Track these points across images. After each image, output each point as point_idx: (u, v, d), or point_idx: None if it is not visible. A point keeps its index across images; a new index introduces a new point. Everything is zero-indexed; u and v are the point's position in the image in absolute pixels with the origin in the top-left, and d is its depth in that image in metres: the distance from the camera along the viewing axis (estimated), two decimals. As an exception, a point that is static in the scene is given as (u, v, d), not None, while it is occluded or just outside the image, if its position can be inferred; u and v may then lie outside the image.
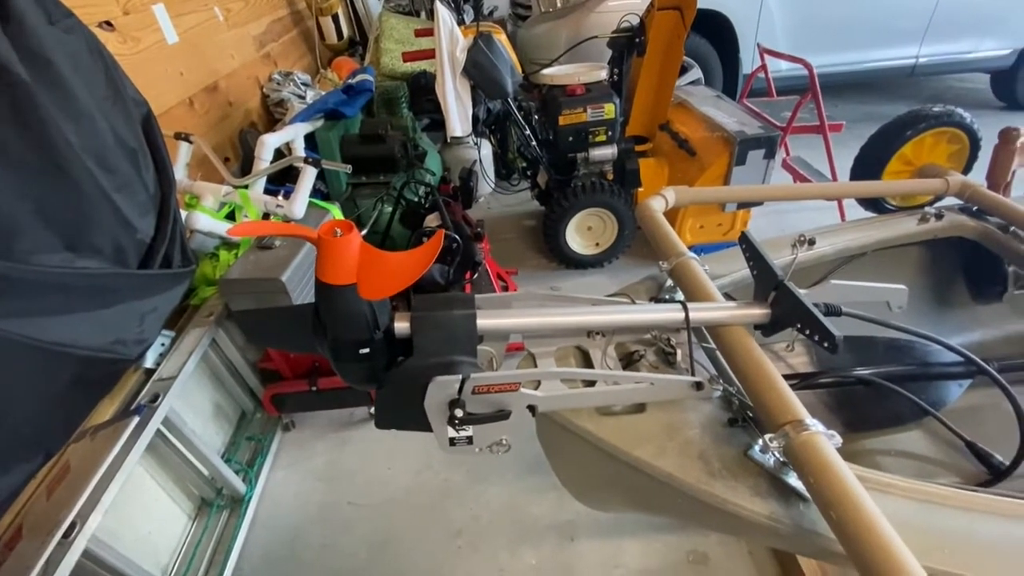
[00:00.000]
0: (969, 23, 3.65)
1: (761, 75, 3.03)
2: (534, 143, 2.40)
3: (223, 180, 1.82)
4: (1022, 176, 1.44)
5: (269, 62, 3.19)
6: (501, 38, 2.14)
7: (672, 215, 2.43)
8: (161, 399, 1.35)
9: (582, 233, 2.55)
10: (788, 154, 2.80)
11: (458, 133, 2.05)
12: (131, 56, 1.90)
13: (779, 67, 3.24)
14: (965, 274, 1.27)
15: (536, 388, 0.71)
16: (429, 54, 2.20)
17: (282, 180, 2.13)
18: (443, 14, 1.89)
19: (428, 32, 2.19)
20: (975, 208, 1.15)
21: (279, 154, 2.04)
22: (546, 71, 2.44)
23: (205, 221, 1.57)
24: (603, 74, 2.36)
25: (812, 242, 1.05)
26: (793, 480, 0.61)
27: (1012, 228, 1.08)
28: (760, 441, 0.63)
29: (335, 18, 3.88)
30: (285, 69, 3.23)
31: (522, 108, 2.52)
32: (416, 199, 2.26)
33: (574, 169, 2.46)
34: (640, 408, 0.72)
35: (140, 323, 1.03)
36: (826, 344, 0.64)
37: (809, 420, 0.59)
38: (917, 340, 1.06)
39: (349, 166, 1.71)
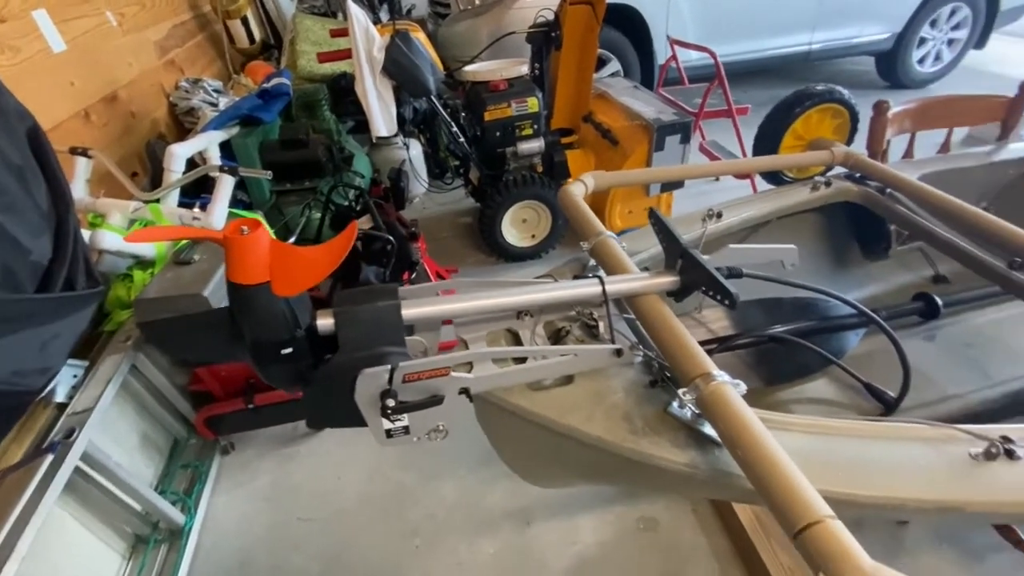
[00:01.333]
0: (852, 11, 4.02)
1: (674, 65, 3.18)
2: (462, 140, 2.41)
3: (131, 196, 1.70)
4: (896, 144, 1.61)
5: (174, 69, 3.01)
6: (419, 36, 2.13)
7: (602, 202, 2.51)
8: (77, 434, 1.25)
9: (517, 226, 2.59)
10: (704, 138, 2.96)
11: (383, 133, 2.03)
12: (11, 67, 1.73)
13: (690, 57, 3.42)
14: (856, 235, 1.41)
15: (469, 372, 0.73)
16: (346, 54, 2.15)
17: (198, 192, 2.02)
18: (355, 12, 1.85)
19: (344, 32, 2.14)
20: (858, 175, 1.27)
21: (192, 164, 1.93)
22: (468, 68, 2.46)
23: (111, 239, 1.47)
24: (524, 69, 2.40)
25: (720, 215, 1.13)
26: (707, 429, 0.66)
27: (888, 190, 1.21)
28: (677, 397, 0.68)
29: (244, 21, 3.71)
30: (193, 76, 3.06)
31: (448, 106, 2.52)
32: (346, 203, 2.21)
33: (504, 164, 2.49)
34: (569, 380, 0.76)
35: (41, 351, 0.95)
36: (727, 301, 0.69)
37: (716, 372, 0.64)
38: (819, 297, 1.16)
39: (269, 172, 1.65)
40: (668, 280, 0.78)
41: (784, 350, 1.14)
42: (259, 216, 1.87)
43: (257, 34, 3.86)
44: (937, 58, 4.39)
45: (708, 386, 0.63)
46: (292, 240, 1.90)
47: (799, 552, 0.49)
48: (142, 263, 1.67)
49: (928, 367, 1.12)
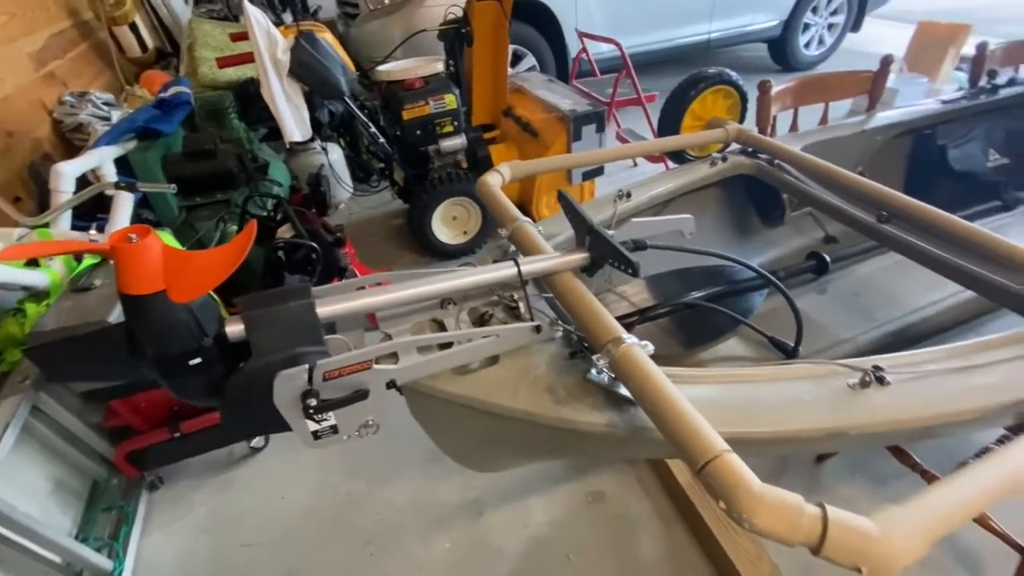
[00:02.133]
0: (744, 1, 4.32)
1: (585, 57, 3.29)
2: (382, 140, 2.38)
3: (16, 223, 1.55)
4: (783, 119, 1.76)
5: (56, 83, 2.75)
6: (326, 36, 2.07)
7: (529, 194, 2.57)
8: (-28, 488, 1.13)
9: (448, 224, 2.59)
10: (619, 127, 3.09)
11: (296, 138, 1.96)
12: None
13: (601, 49, 3.54)
14: (755, 205, 1.53)
15: (395, 364, 0.73)
16: (248, 58, 2.06)
17: (94, 213, 1.86)
18: (253, 14, 1.78)
19: (245, 36, 2.04)
20: (750, 149, 1.38)
21: (86, 184, 1.78)
22: (382, 67, 2.43)
23: (-6, 271, 1.34)
24: (439, 66, 2.40)
25: (629, 195, 1.20)
26: (622, 390, 0.70)
27: (776, 161, 1.32)
28: (594, 364, 0.72)
29: (133, 28, 3.44)
30: (79, 89, 2.81)
31: (365, 107, 2.48)
32: (265, 213, 2.12)
33: (428, 162, 2.48)
34: (494, 361, 0.78)
35: (-85, 398, 0.85)
36: (630, 271, 0.74)
37: (625, 335, 0.68)
38: (726, 263, 1.25)
39: (172, 186, 1.55)
40: (579, 257, 0.82)
41: (698, 315, 1.23)
42: (167, 234, 1.75)
43: (149, 41, 3.60)
44: (821, 42, 4.81)
45: (618, 349, 0.67)
46: (207, 256, 1.80)
47: (703, 486, 0.54)
48: (36, 295, 1.52)
49: (822, 317, 1.24)
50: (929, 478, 1.35)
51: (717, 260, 1.14)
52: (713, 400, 0.71)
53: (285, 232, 1.97)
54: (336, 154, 2.74)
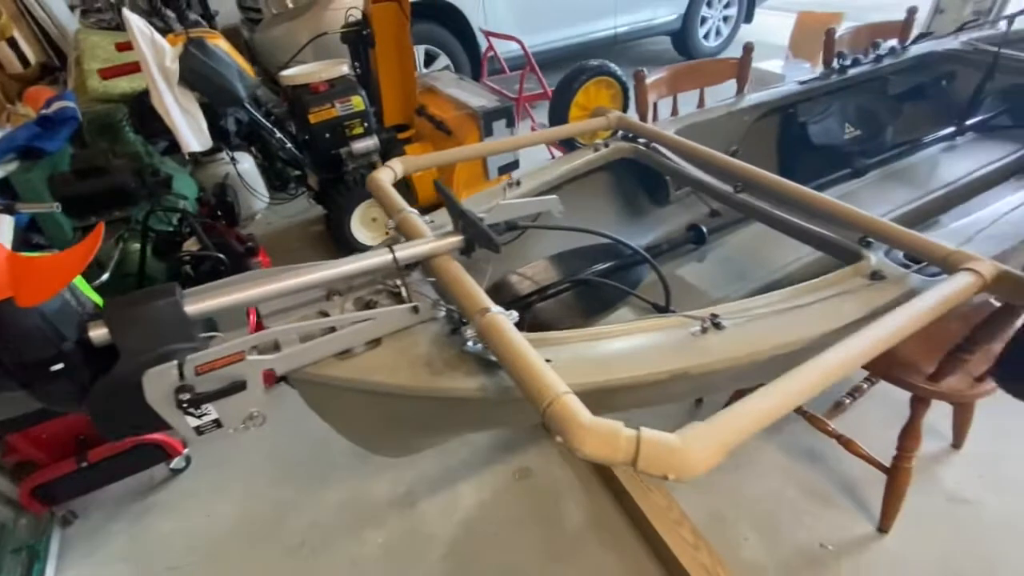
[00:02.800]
0: (645, -4, 4.56)
1: (493, 55, 3.37)
2: (289, 145, 2.35)
3: None
4: (663, 106, 1.90)
5: (-80, 104, 2.52)
6: (219, 43, 2.02)
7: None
8: None
9: (368, 225, 2.59)
10: (534, 122, 3.19)
11: (194, 148, 1.91)
12: None
13: (512, 47, 3.63)
14: (643, 187, 1.65)
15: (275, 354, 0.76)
16: (134, 67, 1.98)
17: (-28, 240, 1.74)
18: (134, 22, 1.72)
19: (131, 46, 1.96)
20: (631, 134, 1.50)
21: (-42, 211, 1.66)
22: (286, 72, 2.40)
23: None
24: (344, 69, 2.40)
25: (519, 183, 1.27)
26: (492, 356, 0.77)
27: (652, 144, 1.44)
28: (469, 336, 0.78)
29: (12, 43, 3.20)
30: (-50, 110, 2.59)
31: (271, 114, 2.44)
32: (170, 228, 2.05)
33: (342, 165, 2.47)
34: (376, 343, 0.82)
35: None
36: (493, 247, 0.81)
37: (491, 306, 0.75)
38: (612, 242, 1.35)
39: (56, 204, 1.48)
40: (454, 240, 0.88)
41: (593, 289, 1.32)
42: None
43: (32, 56, 3.35)
44: (718, 33, 5.14)
45: (484, 318, 0.73)
46: (105, 276, 1.72)
47: (547, 427, 0.61)
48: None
49: (700, 282, 1.37)
50: (812, 419, 1.52)
51: (601, 239, 1.23)
52: (575, 357, 0.79)
53: (191, 245, 1.92)
54: (247, 163, 2.67)
